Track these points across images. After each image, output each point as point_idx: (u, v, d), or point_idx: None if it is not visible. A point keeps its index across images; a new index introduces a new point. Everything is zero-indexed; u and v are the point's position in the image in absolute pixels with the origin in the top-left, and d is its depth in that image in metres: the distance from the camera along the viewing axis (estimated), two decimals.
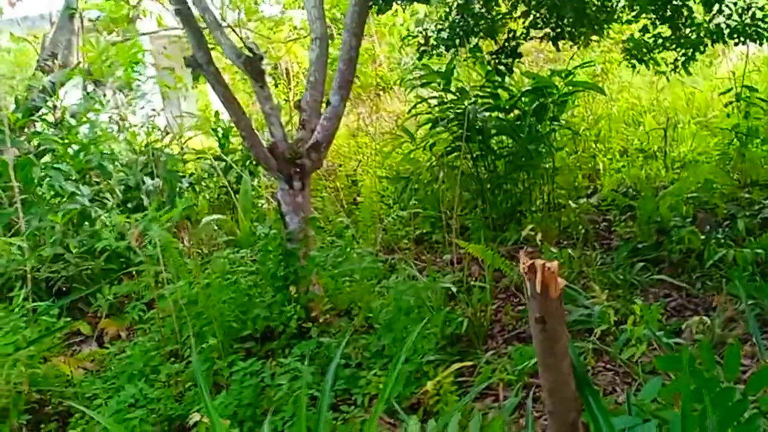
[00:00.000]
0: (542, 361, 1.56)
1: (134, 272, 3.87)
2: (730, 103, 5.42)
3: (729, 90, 5.43)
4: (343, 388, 3.10)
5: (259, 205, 5.12)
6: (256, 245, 3.85)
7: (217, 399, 2.81)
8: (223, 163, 5.52)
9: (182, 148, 5.77)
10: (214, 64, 3.64)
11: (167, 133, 5.96)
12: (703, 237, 4.10)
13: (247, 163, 5.48)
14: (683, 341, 2.89)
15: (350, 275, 4.00)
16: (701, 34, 5.14)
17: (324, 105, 4.03)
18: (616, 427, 1.86)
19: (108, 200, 4.52)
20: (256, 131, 3.89)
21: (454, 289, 3.84)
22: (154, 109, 5.65)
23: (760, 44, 5.15)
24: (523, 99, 5.41)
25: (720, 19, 5.04)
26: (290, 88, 7.75)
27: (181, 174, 5.24)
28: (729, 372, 1.77)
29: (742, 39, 5.02)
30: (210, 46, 3.85)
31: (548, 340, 1.52)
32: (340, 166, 6.73)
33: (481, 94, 5.46)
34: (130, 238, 3.11)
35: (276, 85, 8.95)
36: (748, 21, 4.92)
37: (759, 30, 4.94)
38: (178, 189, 4.87)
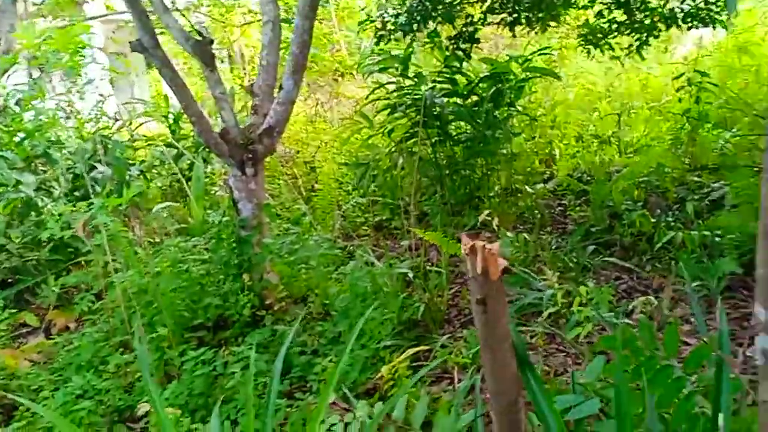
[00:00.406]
0: (484, 341, 1.55)
1: (83, 262, 3.78)
2: (682, 87, 5.51)
3: (681, 75, 5.52)
4: (298, 375, 3.08)
5: (213, 192, 5.03)
6: (208, 233, 3.78)
7: (167, 389, 2.77)
8: (175, 150, 5.40)
9: (132, 135, 5.62)
10: (161, 48, 3.55)
11: (116, 120, 5.80)
12: (653, 220, 4.18)
13: (200, 149, 5.38)
14: (632, 322, 2.94)
15: (306, 262, 3.97)
16: (655, 19, 5.21)
17: (277, 89, 3.97)
18: (560, 406, 1.89)
19: (55, 189, 4.40)
20: (207, 116, 3.81)
21: (411, 275, 3.85)
22: (102, 95, 5.47)
23: (714, 28, 5.25)
24: (480, 85, 5.42)
25: (674, 3, 5.12)
26: (245, 73, 7.63)
27: (131, 162, 5.12)
28: (668, 350, 1.80)
29: (695, 23, 5.10)
30: (160, 30, 3.76)
31: (489, 321, 1.51)
32: (298, 152, 6.66)
33: (439, 79, 5.46)
34: (75, 227, 3.02)
35: (231, 70, 8.81)
36: (701, 5, 5.00)
37: (711, 14, 5.03)
38: (127, 177, 4.75)
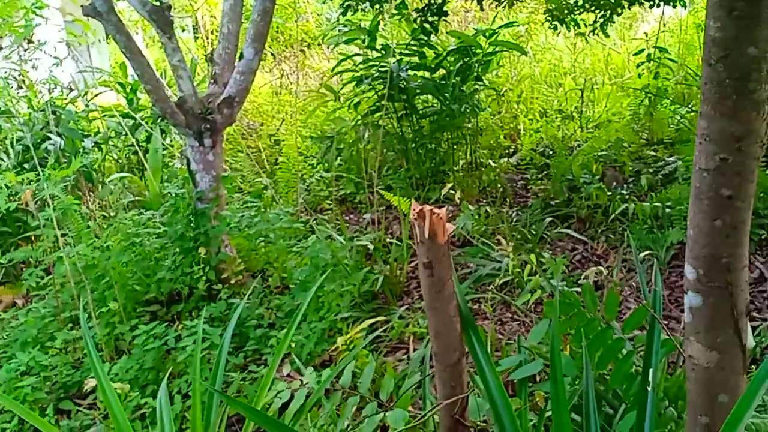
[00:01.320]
0: (429, 304, 1.58)
1: (33, 237, 3.71)
2: (642, 64, 5.56)
3: (642, 51, 5.56)
4: (253, 348, 3.08)
5: (171, 165, 4.95)
6: (164, 206, 3.73)
7: (117, 363, 2.74)
8: (132, 121, 5.29)
9: (88, 105, 5.47)
10: (116, 12, 3.46)
11: (71, 89, 5.64)
12: (609, 193, 4.24)
13: (159, 120, 5.27)
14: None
15: (266, 236, 3.95)
16: None
17: (238, 58, 3.91)
18: (504, 367, 1.93)
19: (3, 161, 4.28)
20: (166, 86, 3.74)
21: (372, 247, 3.86)
22: (56, 61, 5.27)
23: (674, 6, 5.29)
24: (448, 58, 5.40)
25: None
26: (208, 43, 7.48)
27: (85, 133, 4.99)
28: (608, 313, 1.84)
29: (657, 1, 5.15)
30: None
31: (435, 284, 1.54)
32: (262, 125, 6.58)
33: (406, 52, 5.42)
34: (22, 198, 2.95)
35: (196, 39, 8.62)
36: None
37: None
38: (81, 148, 4.63)
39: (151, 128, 5.11)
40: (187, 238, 3.49)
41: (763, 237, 3.69)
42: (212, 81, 3.90)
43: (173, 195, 3.58)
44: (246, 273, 3.73)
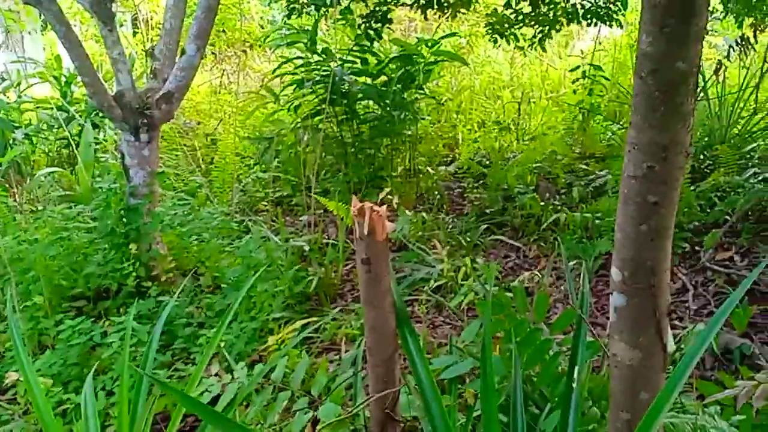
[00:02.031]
0: (366, 299, 1.59)
1: None
2: (578, 80, 5.75)
3: (577, 68, 5.75)
4: (181, 347, 3.01)
5: (103, 160, 4.81)
6: (95, 200, 3.62)
7: (40, 358, 2.64)
8: (66, 114, 5.10)
9: (20, 96, 5.25)
10: (56, 2, 3.35)
11: (3, 79, 5.41)
12: (542, 203, 4.36)
13: (92, 114, 5.11)
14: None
15: (199, 234, 3.88)
16: (558, 13, 5.40)
17: (179, 54, 3.84)
18: (437, 366, 1.96)
19: None
20: (103, 79, 3.64)
21: (307, 249, 3.84)
22: None
23: (610, 26, 5.50)
24: (390, 65, 5.45)
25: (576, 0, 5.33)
26: (150, 38, 7.32)
27: (16, 124, 4.79)
28: (538, 315, 1.89)
29: (594, 20, 5.34)
30: None
31: (373, 280, 1.55)
32: (200, 123, 6.47)
33: (349, 57, 5.44)
34: None
35: (135, 35, 8.41)
36: (601, 3, 5.24)
37: (610, 13, 5.28)
38: (11, 140, 4.44)
39: (85, 121, 4.95)
40: (118, 233, 3.39)
41: (686, 250, 3.86)
42: (152, 76, 3.81)
43: (105, 189, 3.47)
44: (177, 271, 3.65)
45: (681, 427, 1.78)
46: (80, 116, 5.12)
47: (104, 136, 5.20)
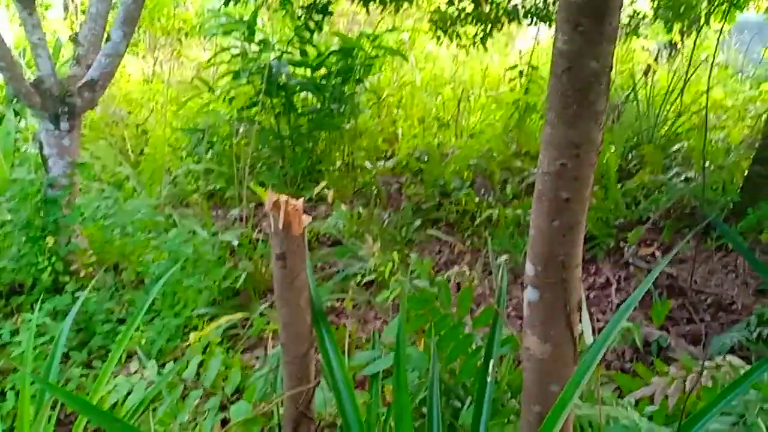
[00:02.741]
0: (280, 295, 1.55)
1: None
2: (515, 78, 5.81)
3: (514, 66, 5.82)
4: (99, 344, 2.90)
5: (25, 149, 4.58)
6: (11, 191, 3.44)
7: None
8: None
9: None
10: None
11: None
12: (477, 199, 4.39)
13: (13, 102, 4.87)
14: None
15: (123, 228, 3.74)
16: (499, 13, 5.46)
17: (105, 40, 3.70)
18: (358, 362, 1.93)
19: None
20: (19, 64, 3.46)
21: (236, 243, 3.75)
22: None
23: (550, 26, 5.58)
24: (330, 58, 5.38)
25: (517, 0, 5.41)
26: (80, 24, 7.04)
27: None
28: (461, 310, 1.88)
29: (534, 20, 5.42)
30: None
31: (287, 276, 1.51)
32: (130, 113, 6.26)
33: (288, 49, 5.35)
34: None
35: (66, 18, 8.08)
36: (540, 4, 5.32)
37: (549, 13, 5.36)
38: None
39: (4, 109, 4.71)
40: (35, 226, 3.24)
41: (611, 246, 3.95)
42: (75, 62, 3.67)
43: (22, 180, 3.30)
44: (98, 266, 3.51)
45: (596, 418, 1.80)
46: (0, 104, 4.88)
47: (26, 124, 4.95)
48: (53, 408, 2.03)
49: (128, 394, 2.00)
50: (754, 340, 2.76)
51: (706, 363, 2.01)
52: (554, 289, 1.36)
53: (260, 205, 4.40)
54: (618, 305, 3.36)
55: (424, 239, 4.19)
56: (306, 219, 1.52)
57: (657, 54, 5.36)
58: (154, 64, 7.24)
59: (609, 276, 3.64)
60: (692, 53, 5.58)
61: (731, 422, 1.68)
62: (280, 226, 1.46)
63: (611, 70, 1.29)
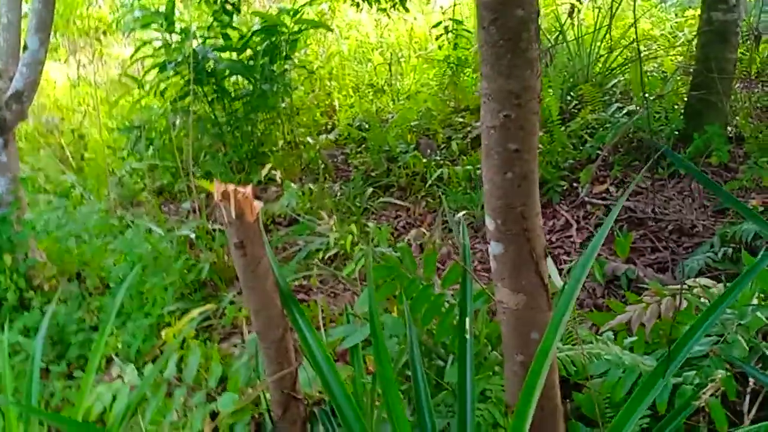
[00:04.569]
0: (245, 284, 1.55)
1: None
2: (441, 35, 5.86)
3: (439, 23, 5.86)
4: (77, 354, 2.90)
5: None
6: None
7: None
8: None
9: None
10: None
11: None
12: (425, 160, 4.46)
13: None
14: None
15: (78, 236, 3.69)
16: None
17: (22, 50, 3.59)
18: (334, 337, 1.98)
19: None
20: None
21: (193, 236, 3.75)
22: None
23: None
24: (254, 38, 5.32)
25: None
26: None
27: None
28: (427, 272, 1.95)
29: None
30: None
31: (250, 263, 1.51)
32: (63, 119, 6.08)
33: (209, 34, 5.26)
34: None
35: None
36: None
37: None
38: None
39: None
40: None
41: (565, 188, 4.06)
42: None
43: None
44: (60, 277, 3.48)
45: (578, 357, 1.90)
46: None
47: None
48: (41, 424, 2.05)
49: (114, 400, 2.02)
50: (721, 260, 2.84)
51: (677, 286, 2.08)
52: (517, 240, 1.40)
53: (211, 194, 4.38)
54: (581, 245, 3.46)
55: (379, 207, 4.26)
56: (258, 205, 1.53)
57: None
58: (78, 67, 7.02)
59: (567, 218, 3.73)
60: None
61: (712, 342, 1.76)
62: (233, 215, 1.46)
63: (538, 15, 1.30)
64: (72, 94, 6.44)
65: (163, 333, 2.62)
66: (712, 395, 1.56)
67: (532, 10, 1.26)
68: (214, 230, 3.92)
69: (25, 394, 1.87)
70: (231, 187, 1.44)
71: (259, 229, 1.50)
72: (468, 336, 1.57)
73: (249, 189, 1.47)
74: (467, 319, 1.60)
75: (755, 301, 1.86)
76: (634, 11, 4.10)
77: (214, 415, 2.01)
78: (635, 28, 3.77)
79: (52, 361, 2.83)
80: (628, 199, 3.75)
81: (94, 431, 1.32)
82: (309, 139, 5.49)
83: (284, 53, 5.42)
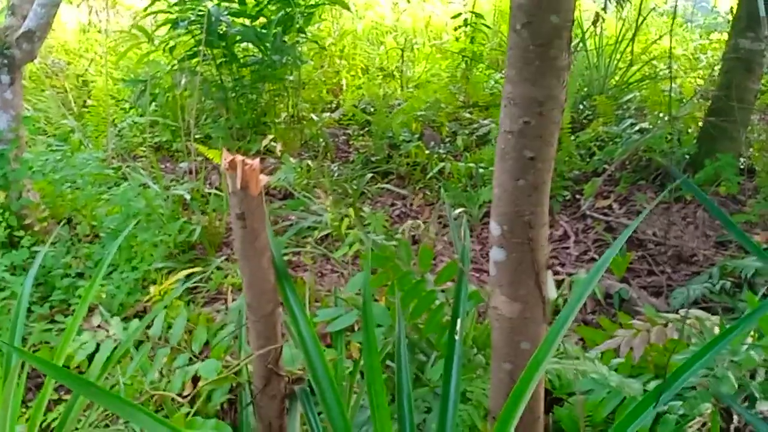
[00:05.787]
0: (242, 255, 1.53)
1: None
2: (459, 27, 5.83)
3: (459, 15, 5.82)
4: (60, 298, 2.89)
5: None
6: None
7: None
8: None
9: None
10: None
11: None
12: (427, 152, 4.45)
13: None
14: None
15: (73, 181, 3.68)
16: None
17: None
18: (321, 318, 1.99)
19: None
20: None
21: (189, 197, 3.73)
22: None
23: None
24: (269, 7, 5.26)
25: None
26: None
27: None
28: (422, 266, 1.95)
29: None
30: None
31: (248, 235, 1.49)
32: (69, 64, 6.01)
33: None
34: None
35: None
36: None
37: None
38: None
39: None
40: None
41: (567, 198, 4.04)
42: (9, 12, 3.53)
43: None
44: (52, 220, 3.47)
45: (564, 372, 1.90)
46: None
47: None
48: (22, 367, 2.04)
49: (96, 350, 2.02)
50: (718, 292, 2.83)
51: (671, 315, 2.07)
52: (521, 249, 1.38)
53: (208, 158, 4.35)
54: (577, 258, 3.45)
55: (375, 192, 4.25)
56: (263, 179, 1.52)
57: (605, 3, 5.42)
58: (90, 13, 6.92)
59: (566, 228, 3.71)
60: (641, 2, 5.64)
61: (701, 375, 1.71)
62: (238, 185, 1.45)
63: (573, 24, 1.26)
64: (81, 39, 6.36)
65: (151, 289, 2.61)
66: (698, 430, 1.56)
67: (568, 18, 1.23)
68: (209, 194, 3.91)
69: (9, 334, 1.86)
70: (239, 157, 1.43)
71: (261, 203, 1.49)
72: (458, 338, 1.57)
73: (256, 162, 1.46)
74: (459, 321, 1.60)
75: (749, 340, 1.86)
76: (672, 22, 4.03)
77: (194, 380, 2.01)
78: (670, 51, 3.67)
79: (35, 302, 2.83)
80: (629, 218, 3.73)
81: (77, 380, 1.30)
82: (313, 115, 5.46)
83: (298, 25, 5.37)
